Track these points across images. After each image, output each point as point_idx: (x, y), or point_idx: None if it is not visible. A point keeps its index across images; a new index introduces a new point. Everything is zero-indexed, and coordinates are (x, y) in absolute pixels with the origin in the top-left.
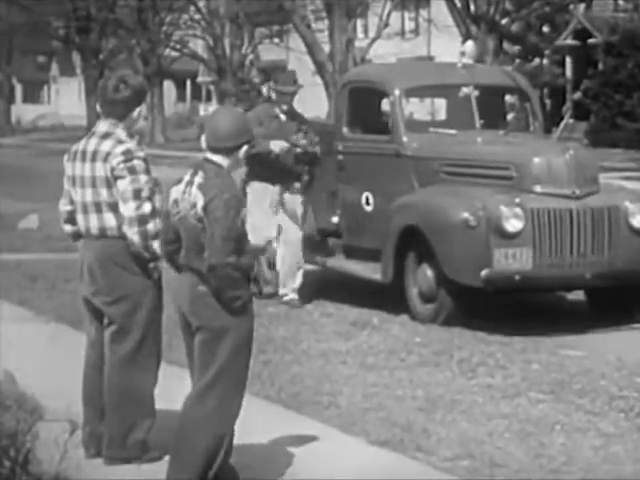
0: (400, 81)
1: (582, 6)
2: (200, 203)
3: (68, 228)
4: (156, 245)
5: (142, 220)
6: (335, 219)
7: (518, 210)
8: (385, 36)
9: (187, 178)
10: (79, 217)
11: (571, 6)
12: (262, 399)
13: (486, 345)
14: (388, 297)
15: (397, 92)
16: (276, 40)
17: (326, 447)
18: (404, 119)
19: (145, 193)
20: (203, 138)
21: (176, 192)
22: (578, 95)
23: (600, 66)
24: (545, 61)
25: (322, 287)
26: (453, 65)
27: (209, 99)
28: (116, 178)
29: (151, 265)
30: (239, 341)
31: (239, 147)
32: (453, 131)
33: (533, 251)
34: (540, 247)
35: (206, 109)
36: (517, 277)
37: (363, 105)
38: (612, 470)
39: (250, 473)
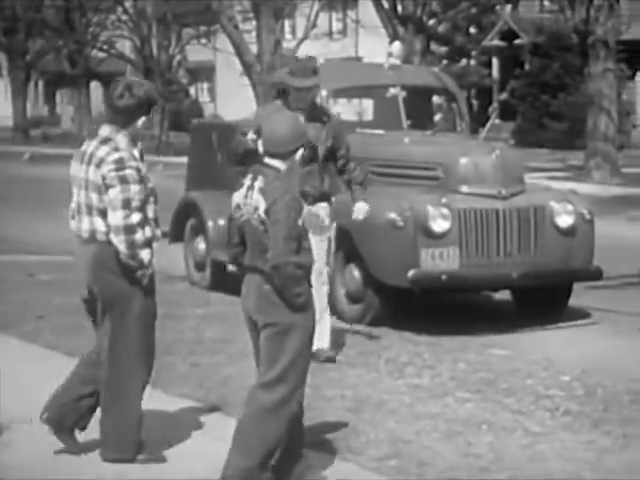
0: (327, 82)
1: (508, 7)
2: (262, 206)
3: (72, 225)
4: (144, 254)
5: (129, 229)
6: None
7: (445, 210)
8: (313, 37)
9: (247, 183)
10: (76, 217)
11: (497, 7)
12: (192, 401)
13: (414, 345)
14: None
15: (324, 93)
16: (203, 41)
17: None
18: None
19: (135, 203)
20: (260, 143)
21: (238, 197)
22: (505, 96)
23: (526, 67)
24: (472, 62)
25: None
26: (380, 66)
27: None
28: (107, 186)
29: (139, 273)
30: (304, 336)
31: (296, 151)
32: (380, 131)
33: (460, 251)
34: (467, 247)
35: None
36: (444, 277)
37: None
38: (538, 468)
39: (179, 474)
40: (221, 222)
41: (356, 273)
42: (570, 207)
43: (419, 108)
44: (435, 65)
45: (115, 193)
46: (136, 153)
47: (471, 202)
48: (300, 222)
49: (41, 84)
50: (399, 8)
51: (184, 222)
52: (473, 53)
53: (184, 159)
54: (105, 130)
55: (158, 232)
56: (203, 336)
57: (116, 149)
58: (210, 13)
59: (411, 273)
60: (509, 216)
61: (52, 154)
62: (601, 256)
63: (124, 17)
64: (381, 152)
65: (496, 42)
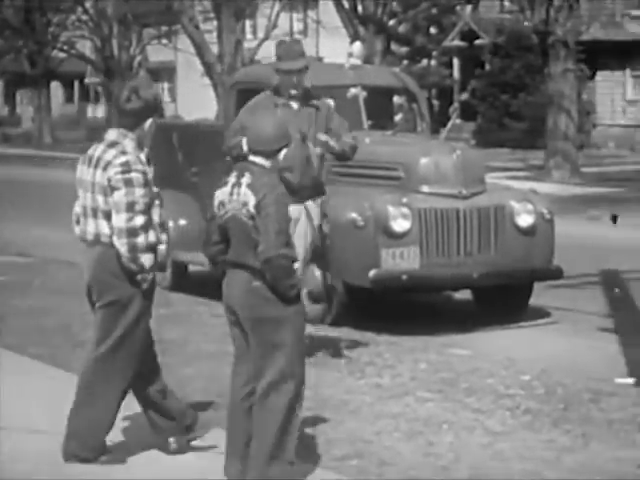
0: None
1: (469, 8)
2: (252, 201)
3: (76, 230)
4: (145, 258)
5: (132, 232)
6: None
7: (405, 210)
8: (274, 37)
9: (232, 180)
10: (80, 220)
11: (458, 8)
12: None
13: (375, 345)
14: None
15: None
16: (164, 41)
17: (217, 449)
18: None
19: (140, 207)
20: (245, 141)
21: (222, 194)
22: (465, 96)
23: (487, 67)
24: (433, 62)
25: (212, 288)
26: (341, 66)
27: (97, 100)
28: (112, 188)
29: (139, 277)
30: (298, 328)
31: (280, 150)
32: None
33: (420, 251)
34: (427, 247)
35: (94, 110)
36: (405, 277)
37: None
38: (499, 467)
39: (138, 474)
40: (182, 222)
41: (317, 273)
42: (530, 207)
43: (380, 108)
44: (396, 65)
45: (120, 195)
46: (142, 157)
47: (432, 202)
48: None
49: (1, 84)
50: (359, 8)
51: None
52: (434, 53)
53: None
54: (112, 134)
55: (164, 237)
56: (162, 336)
57: (123, 152)
58: (171, 13)
59: (372, 273)
60: (469, 216)
61: (12, 154)
62: (561, 255)
63: (84, 17)
64: None
65: (457, 42)
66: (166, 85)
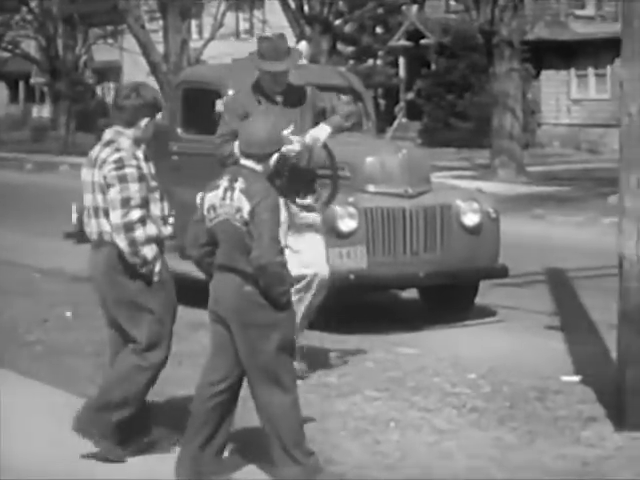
0: (233, 81)
1: (415, 7)
2: (246, 207)
3: (87, 232)
4: (146, 250)
5: (129, 227)
6: (170, 220)
7: (352, 209)
8: (220, 37)
9: (225, 184)
10: (85, 221)
11: (404, 7)
12: None
13: (321, 344)
14: None
15: (230, 92)
16: (110, 41)
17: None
18: None
19: (135, 201)
20: (236, 144)
21: (213, 198)
22: (411, 95)
23: (433, 67)
24: (379, 62)
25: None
26: None
27: (42, 100)
28: (108, 186)
29: (143, 269)
30: (287, 334)
31: (271, 154)
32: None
33: (367, 250)
34: (374, 246)
35: (40, 110)
36: (352, 276)
37: (197, 105)
38: (445, 465)
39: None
40: None
41: None
42: (476, 205)
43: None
44: (342, 65)
45: (115, 192)
46: (139, 154)
47: (378, 201)
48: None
49: None
50: (306, 8)
51: None
52: (380, 53)
53: None
54: (108, 133)
55: (166, 230)
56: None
57: (117, 150)
58: (117, 13)
59: None
60: (416, 215)
61: None
62: (507, 254)
63: (29, 17)
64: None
65: (402, 42)
66: (112, 85)
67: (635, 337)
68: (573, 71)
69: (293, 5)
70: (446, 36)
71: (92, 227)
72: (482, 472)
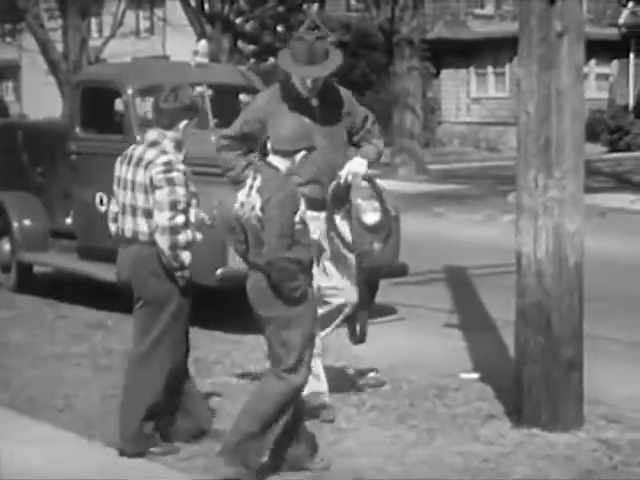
0: (132, 80)
1: (315, 5)
2: (258, 204)
3: (112, 228)
4: (184, 255)
5: (174, 230)
6: (69, 220)
7: None
8: (120, 35)
9: (250, 182)
10: (119, 218)
11: (305, 6)
12: None
13: (222, 344)
14: (122, 298)
15: (130, 91)
16: (8, 39)
17: (62, 451)
18: (137, 118)
19: (181, 205)
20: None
21: (241, 195)
22: None
23: None
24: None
25: (57, 289)
26: (187, 64)
27: None
28: (154, 187)
29: (178, 274)
30: (306, 328)
31: (297, 151)
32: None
33: None
34: None
35: None
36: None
37: (96, 104)
38: (346, 464)
39: None
40: (27, 223)
41: None
42: (376, 204)
43: (226, 106)
44: (243, 63)
45: (163, 195)
46: (181, 157)
47: None
48: (295, 220)
49: None
50: (206, 6)
51: None
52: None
53: None
54: (152, 134)
55: (198, 235)
56: (8, 338)
57: (164, 152)
58: (15, 11)
59: (219, 272)
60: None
61: None
62: (407, 252)
63: None
64: (188, 151)
65: None
66: (10, 84)
67: (532, 334)
68: (473, 70)
69: (193, 3)
70: (347, 34)
71: (125, 224)
72: (381, 470)
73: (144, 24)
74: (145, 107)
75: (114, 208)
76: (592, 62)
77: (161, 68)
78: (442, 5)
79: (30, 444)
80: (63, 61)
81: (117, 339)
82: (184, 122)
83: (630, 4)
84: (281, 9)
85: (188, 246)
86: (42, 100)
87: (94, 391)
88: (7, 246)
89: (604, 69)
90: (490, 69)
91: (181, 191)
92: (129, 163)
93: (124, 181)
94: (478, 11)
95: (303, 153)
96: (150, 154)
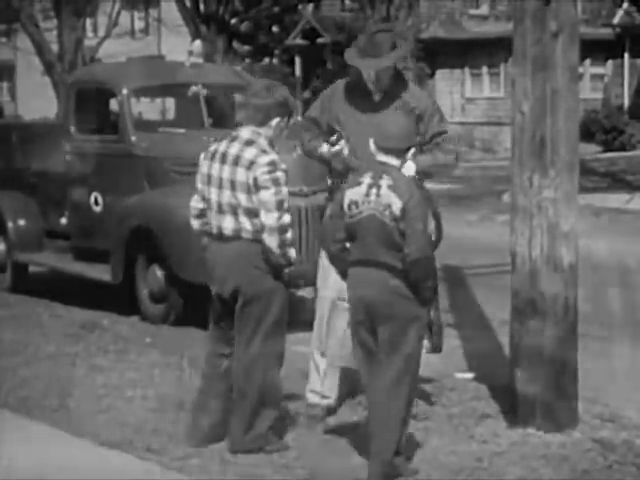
0: (127, 80)
1: (311, 6)
2: (397, 204)
3: (196, 224)
4: (292, 252)
5: (283, 230)
6: (64, 220)
7: None
8: (115, 35)
9: (368, 181)
10: (212, 216)
11: (300, 6)
12: None
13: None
14: (118, 298)
15: (125, 91)
16: (3, 39)
17: (55, 450)
18: (132, 118)
19: (286, 204)
20: (372, 142)
21: (354, 194)
22: (307, 94)
23: (329, 65)
24: (275, 60)
25: (51, 289)
26: (182, 64)
27: None
28: (259, 187)
29: (286, 270)
30: (421, 328)
31: (408, 149)
32: (182, 130)
33: None
34: None
35: None
36: None
37: (91, 105)
38: (340, 464)
39: None
40: (22, 223)
41: (159, 273)
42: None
43: (221, 106)
44: (238, 63)
45: (269, 195)
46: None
47: None
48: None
49: None
50: (201, 7)
51: None
52: (276, 52)
53: None
54: (246, 132)
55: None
56: (2, 338)
57: (264, 151)
58: (10, 11)
59: None
60: (311, 213)
61: None
62: None
63: None
64: (183, 151)
65: (299, 41)
66: (5, 84)
67: (526, 334)
68: (467, 70)
69: (189, 4)
70: (341, 34)
71: (225, 223)
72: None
73: (139, 24)
74: (142, 107)
75: (197, 204)
76: (587, 62)
77: (156, 68)
78: (437, 5)
79: (24, 444)
80: (58, 61)
81: (113, 339)
82: (277, 119)
83: (625, 4)
84: (276, 9)
85: (293, 243)
86: (37, 101)
87: (88, 390)
88: (2, 246)
89: (599, 69)
90: (485, 69)
91: (285, 190)
92: (223, 161)
93: (218, 180)
94: (473, 11)
95: (413, 151)
96: (249, 153)
